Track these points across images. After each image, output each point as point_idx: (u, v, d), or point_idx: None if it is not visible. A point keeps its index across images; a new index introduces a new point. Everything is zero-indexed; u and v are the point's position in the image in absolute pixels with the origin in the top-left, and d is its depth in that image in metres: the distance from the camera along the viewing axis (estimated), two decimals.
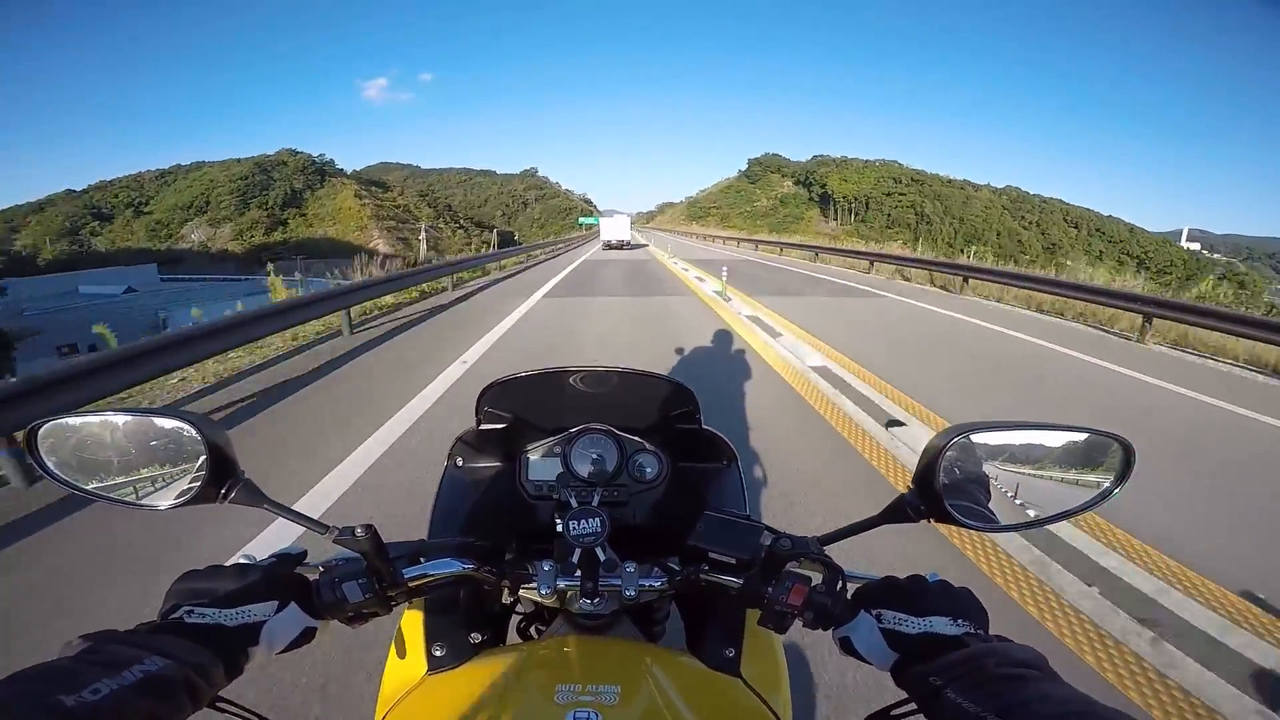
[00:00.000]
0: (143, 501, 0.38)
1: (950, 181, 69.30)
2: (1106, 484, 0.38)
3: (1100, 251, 58.90)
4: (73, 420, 0.38)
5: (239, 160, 51.53)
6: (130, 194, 49.82)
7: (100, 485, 0.37)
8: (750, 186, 76.27)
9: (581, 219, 47.25)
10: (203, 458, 0.36)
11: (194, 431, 0.36)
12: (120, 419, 0.39)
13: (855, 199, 66.66)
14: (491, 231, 46.79)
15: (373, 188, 52.53)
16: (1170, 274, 31.83)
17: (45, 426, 0.37)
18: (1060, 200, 69.54)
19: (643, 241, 23.48)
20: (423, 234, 39.89)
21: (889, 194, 67.68)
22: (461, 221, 63.41)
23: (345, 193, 48.93)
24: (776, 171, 79.09)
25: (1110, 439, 0.38)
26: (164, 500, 0.37)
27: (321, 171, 53.00)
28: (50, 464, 0.37)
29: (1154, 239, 53.81)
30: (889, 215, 68.12)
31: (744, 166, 79.98)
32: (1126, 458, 0.37)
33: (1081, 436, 0.38)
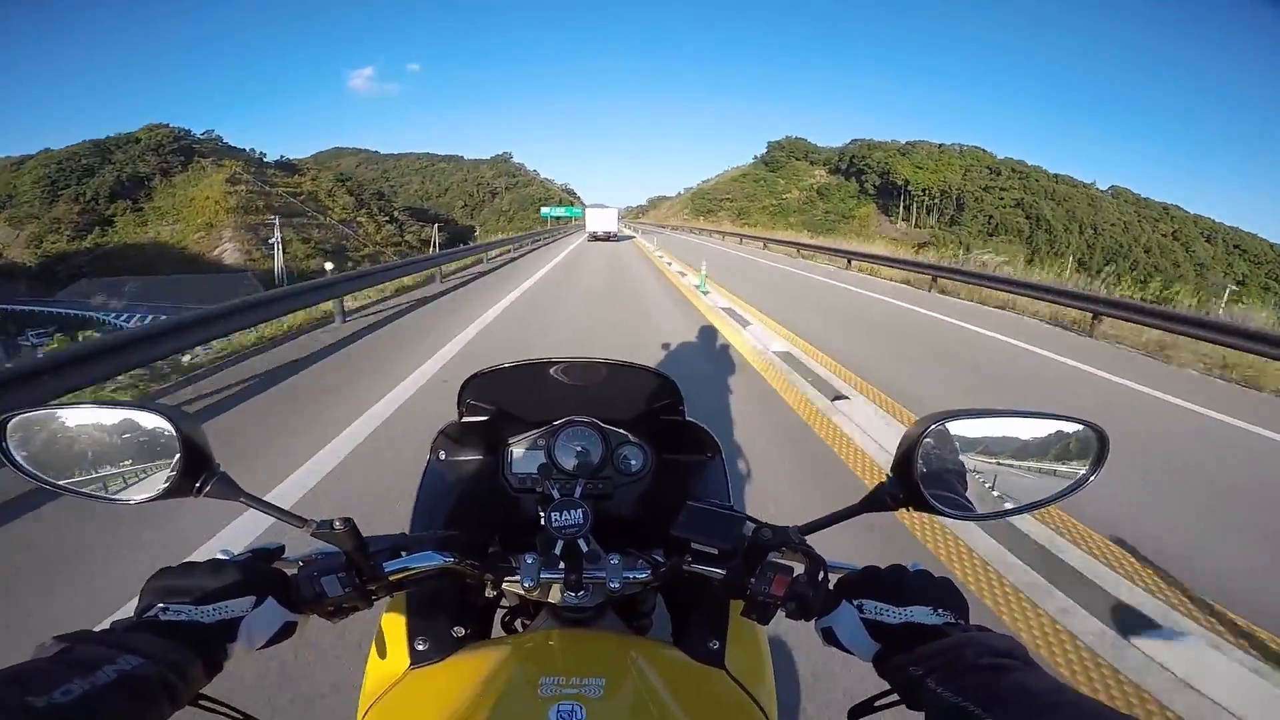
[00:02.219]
0: (115, 496, 0.48)
1: (1059, 178, 71.49)
2: (1081, 472, 0.49)
3: (1243, 275, 61.53)
4: (42, 413, 0.48)
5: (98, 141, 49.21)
6: None
7: (72, 480, 0.47)
8: (770, 175, 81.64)
9: (547, 210, 50.21)
10: (177, 451, 0.45)
11: (167, 424, 0.45)
12: (92, 412, 0.49)
13: (936, 193, 68.75)
14: (433, 227, 48.97)
15: (272, 170, 53.92)
16: None
17: (14, 420, 0.47)
18: (1178, 207, 73.24)
19: (629, 233, 32.14)
20: (276, 236, 36.89)
21: (987, 189, 69.86)
22: (396, 214, 65.60)
23: (216, 177, 47.74)
24: (803, 158, 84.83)
25: (1084, 426, 0.49)
26: (137, 495, 0.47)
27: (189, 150, 51.60)
28: (19, 458, 0.46)
29: None
30: (989, 218, 69.80)
31: (761, 151, 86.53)
32: (1101, 445, 0.48)
33: (1056, 424, 0.49)
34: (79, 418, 0.51)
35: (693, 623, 0.63)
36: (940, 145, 71.74)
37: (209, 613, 0.42)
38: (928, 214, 67.46)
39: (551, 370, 0.78)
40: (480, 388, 0.78)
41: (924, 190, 67.20)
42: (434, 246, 40.08)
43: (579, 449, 0.80)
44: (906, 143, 72.94)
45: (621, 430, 0.83)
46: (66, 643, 0.34)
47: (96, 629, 0.35)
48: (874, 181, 70.47)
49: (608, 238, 24.04)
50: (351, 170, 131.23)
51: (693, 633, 0.62)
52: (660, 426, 0.85)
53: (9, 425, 0.49)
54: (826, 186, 74.85)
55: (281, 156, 61.86)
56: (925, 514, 0.47)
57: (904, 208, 69.08)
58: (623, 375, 0.80)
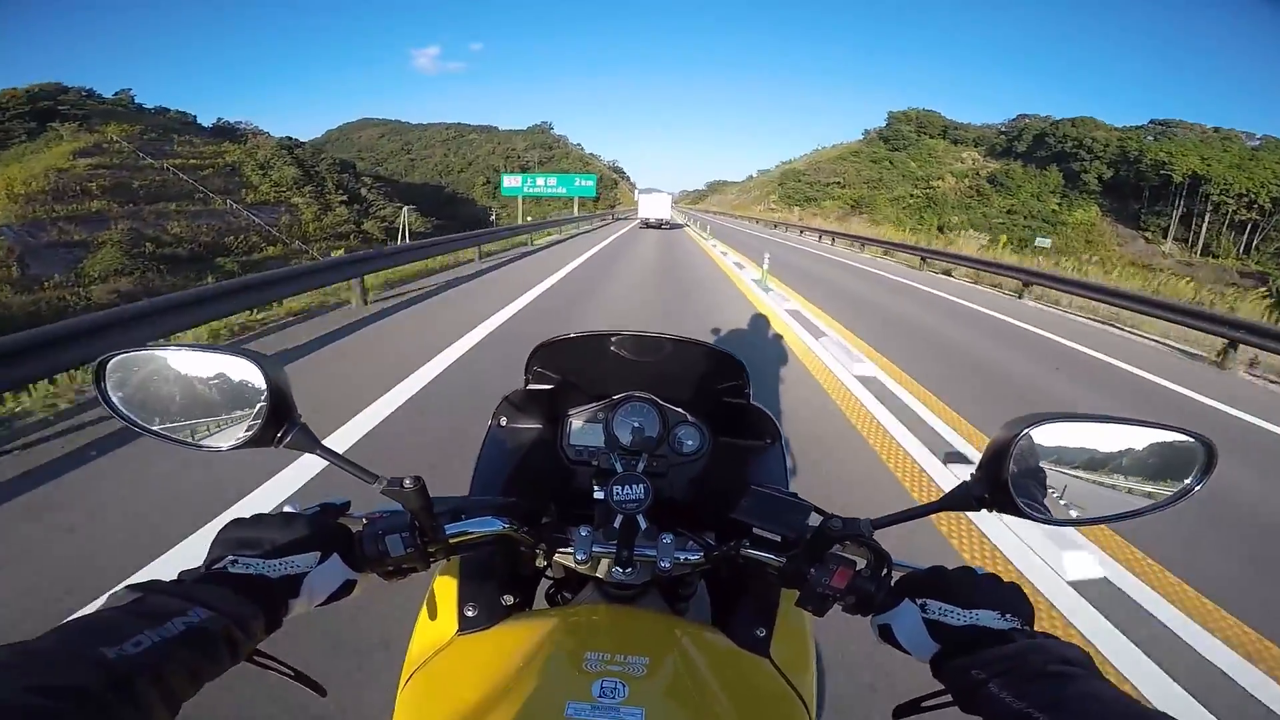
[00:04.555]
0: (201, 443, 0.69)
1: None
2: (1185, 482, 0.65)
3: None
4: (140, 354, 0.69)
5: None
6: None
7: (161, 424, 0.69)
8: (893, 155, 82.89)
9: (512, 184, 40.01)
10: (262, 400, 0.65)
11: (257, 370, 0.65)
12: (186, 354, 0.70)
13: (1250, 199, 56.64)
14: (402, 211, 51.94)
15: (186, 139, 57.90)
16: None
17: (113, 360, 0.68)
18: None
19: (680, 221, 41.43)
20: None
21: None
22: (364, 192, 70.76)
23: (58, 149, 47.58)
24: (939, 135, 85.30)
25: (1189, 436, 0.65)
26: (222, 442, 0.68)
27: (49, 114, 52.94)
28: (115, 399, 0.68)
29: None
30: None
31: (876, 124, 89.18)
32: (1208, 457, 0.64)
33: (1156, 433, 0.65)
34: (174, 360, 0.71)
35: (739, 609, 0.84)
36: (1216, 128, 65.95)
37: (275, 567, 0.58)
38: (1230, 233, 57.48)
39: (616, 343, 1.07)
40: (547, 356, 1.09)
41: (1235, 196, 56.77)
42: (402, 234, 42.72)
43: (636, 425, 1.08)
44: (1150, 123, 68.34)
45: (680, 409, 1.13)
46: (139, 592, 0.49)
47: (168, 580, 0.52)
48: (1099, 174, 65.45)
49: (659, 225, 32.54)
50: (373, 142, 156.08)
51: (738, 618, 0.82)
52: (720, 408, 1.13)
53: (109, 365, 0.69)
54: (1003, 174, 72.16)
55: (287, 137, 66.87)
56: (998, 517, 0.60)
57: (1175, 221, 60.77)
58: (688, 353, 1.08)
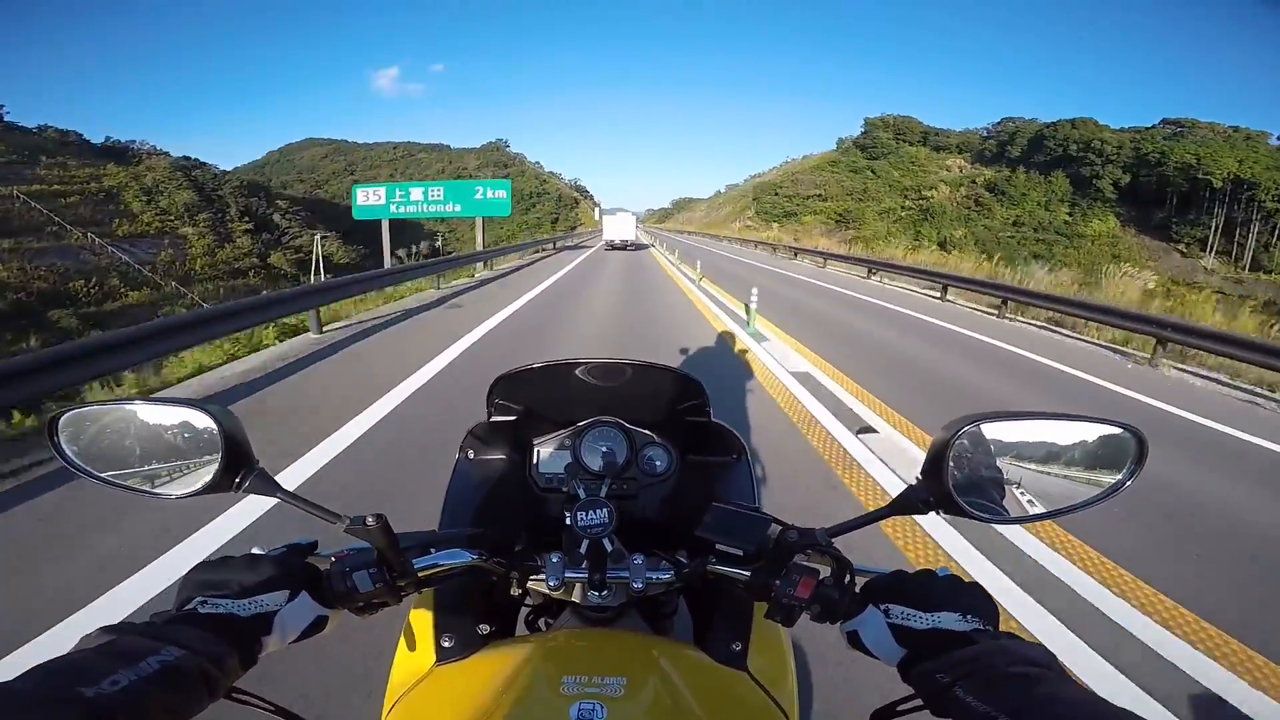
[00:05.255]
0: (159, 490, 0.75)
1: None
2: (1119, 475, 0.71)
3: None
4: (91, 410, 0.77)
5: None
6: None
7: (117, 474, 0.75)
8: (872, 164, 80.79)
9: (370, 200, 23.17)
10: (217, 448, 0.71)
11: (210, 421, 0.72)
12: (137, 408, 0.78)
13: None
14: (315, 240, 45.64)
15: (47, 162, 50.91)
16: None
17: (64, 416, 0.75)
18: None
19: (645, 241, 42.85)
20: None
21: None
22: (277, 218, 65.63)
23: None
24: (920, 142, 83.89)
25: (1122, 429, 0.72)
26: (180, 489, 0.75)
27: None
28: (69, 452, 0.74)
29: None
30: None
31: (850, 134, 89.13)
32: (1139, 448, 0.70)
33: (1091, 427, 0.73)
34: (126, 414, 0.78)
35: (715, 624, 0.89)
36: (1234, 127, 60.50)
37: (245, 606, 0.62)
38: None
39: (578, 371, 1.14)
40: (508, 388, 1.15)
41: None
42: (315, 269, 38.36)
43: (604, 449, 1.17)
44: (1162, 122, 63.35)
45: (646, 431, 1.21)
46: (112, 634, 0.51)
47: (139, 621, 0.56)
48: (1114, 179, 60.52)
49: (624, 246, 34.41)
50: (315, 163, 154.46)
51: (714, 634, 0.87)
52: (686, 428, 1.22)
53: (60, 421, 0.75)
54: (1003, 181, 68.77)
55: (185, 157, 62.65)
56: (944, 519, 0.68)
57: (1216, 231, 54.11)
58: (649, 376, 1.16)
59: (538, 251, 29.28)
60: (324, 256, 55.68)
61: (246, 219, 56.36)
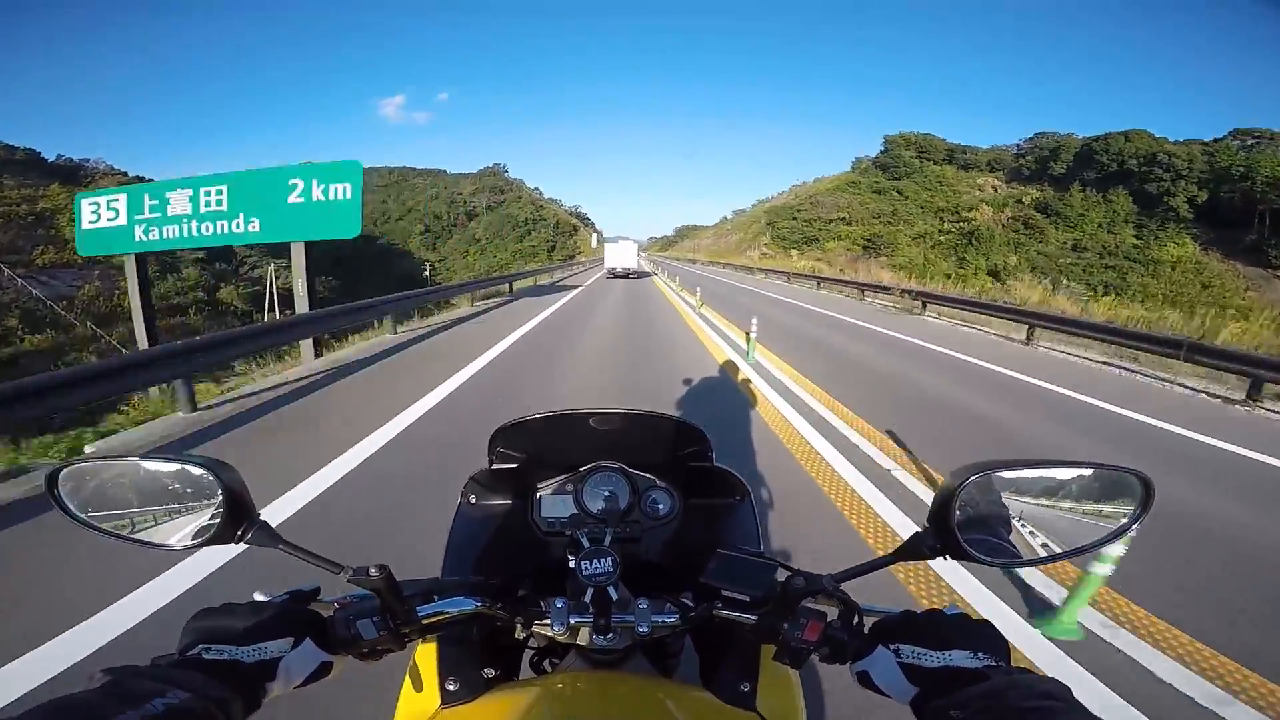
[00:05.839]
0: (161, 543, 0.79)
1: None
2: (1125, 519, 0.77)
3: None
4: (92, 465, 0.81)
5: None
6: None
7: (119, 526, 0.79)
8: (894, 184, 75.40)
9: (90, 225, 11.40)
10: (218, 502, 0.77)
11: (210, 476, 0.77)
12: (138, 464, 0.82)
13: None
14: (268, 270, 41.48)
15: None
16: None
17: (65, 471, 0.79)
18: None
19: (648, 270, 45.41)
20: None
21: None
22: (240, 246, 56.23)
23: None
24: (945, 160, 78.85)
25: (1128, 474, 0.77)
26: (181, 542, 0.79)
27: None
28: (71, 506, 0.79)
29: None
30: None
31: (873, 151, 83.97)
32: (1146, 492, 0.76)
33: (1099, 473, 0.78)
34: (126, 468, 0.82)
35: (723, 665, 0.93)
36: None
37: (249, 653, 0.64)
38: None
39: (578, 420, 1.18)
40: (509, 438, 1.18)
41: None
42: (269, 305, 36.03)
43: (607, 494, 1.20)
44: (1233, 133, 57.01)
45: (649, 475, 1.24)
46: (115, 676, 0.54)
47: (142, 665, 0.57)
48: (1189, 196, 53.16)
49: (626, 275, 35.68)
50: None
51: (722, 675, 0.91)
52: (688, 471, 1.25)
53: (60, 475, 0.79)
54: (1055, 201, 62.08)
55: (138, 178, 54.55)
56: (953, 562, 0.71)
57: None
58: (650, 424, 1.21)
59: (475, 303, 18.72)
60: (286, 289, 48.83)
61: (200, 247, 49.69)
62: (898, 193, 74.70)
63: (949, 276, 39.21)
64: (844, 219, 72.90)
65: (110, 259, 45.13)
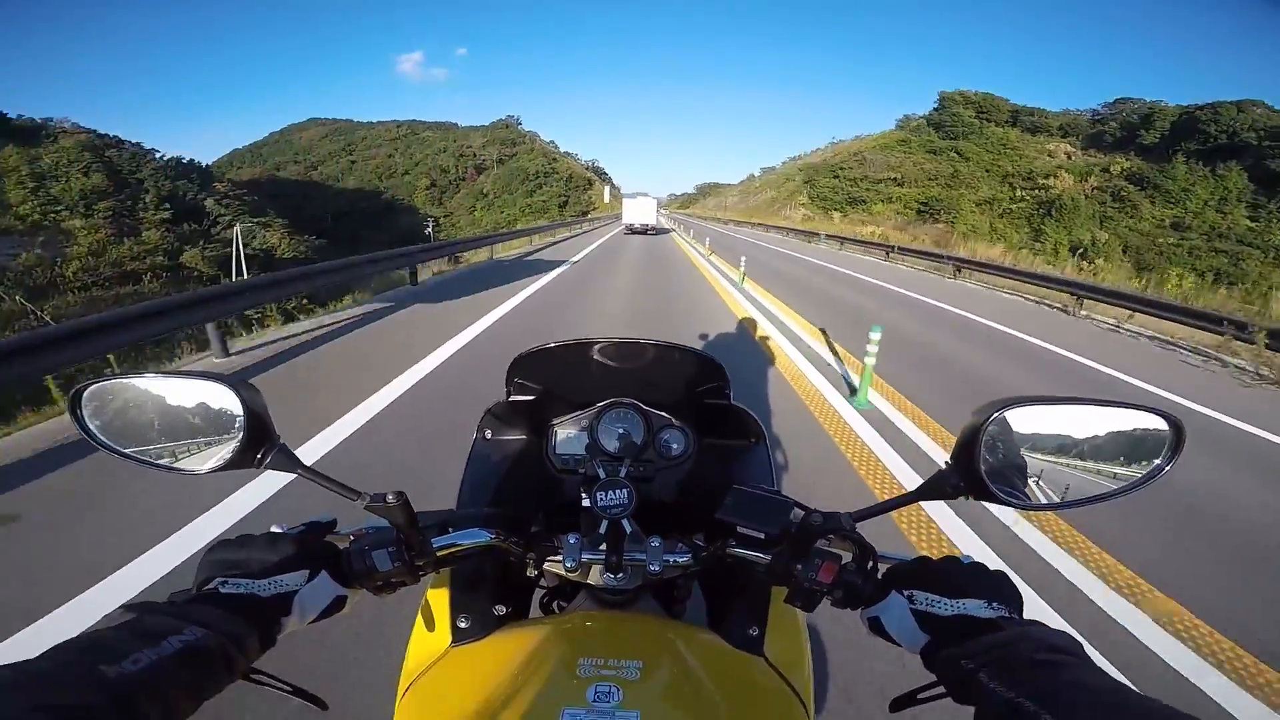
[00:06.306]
0: (181, 467, 0.80)
1: None
2: (1156, 462, 0.74)
3: None
4: (115, 383, 0.80)
5: None
6: None
7: (140, 449, 0.80)
8: (948, 143, 68.32)
9: None
10: (240, 423, 0.77)
11: (233, 395, 0.77)
12: (161, 382, 0.81)
13: None
14: (235, 233, 38.24)
15: None
16: None
17: (89, 389, 0.79)
18: None
19: (668, 226, 50.72)
20: None
21: None
22: (215, 205, 54.91)
23: None
24: (1010, 122, 70.84)
25: (1157, 415, 0.75)
26: (202, 465, 0.79)
27: None
28: (93, 427, 0.79)
29: None
30: None
31: (924, 109, 76.89)
32: (1176, 435, 0.74)
33: (1126, 413, 0.75)
34: (149, 387, 0.82)
35: (732, 609, 0.94)
36: None
37: (265, 586, 0.65)
38: None
39: (597, 351, 1.18)
40: (528, 367, 1.19)
41: None
42: (236, 268, 33.28)
43: (621, 431, 1.20)
44: None
45: (664, 413, 1.24)
46: (134, 612, 0.55)
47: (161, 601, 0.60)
48: None
49: (645, 231, 36.64)
50: (313, 143, 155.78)
51: (731, 619, 0.92)
52: (704, 410, 1.25)
53: (84, 395, 0.79)
54: (1154, 173, 52.58)
55: (94, 132, 51.28)
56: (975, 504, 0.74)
57: None
58: (669, 357, 1.20)
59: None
60: (264, 250, 43.16)
61: (166, 206, 48.26)
62: (956, 153, 68.73)
63: (1020, 249, 33.24)
64: (895, 179, 67.40)
65: (62, 225, 40.55)
